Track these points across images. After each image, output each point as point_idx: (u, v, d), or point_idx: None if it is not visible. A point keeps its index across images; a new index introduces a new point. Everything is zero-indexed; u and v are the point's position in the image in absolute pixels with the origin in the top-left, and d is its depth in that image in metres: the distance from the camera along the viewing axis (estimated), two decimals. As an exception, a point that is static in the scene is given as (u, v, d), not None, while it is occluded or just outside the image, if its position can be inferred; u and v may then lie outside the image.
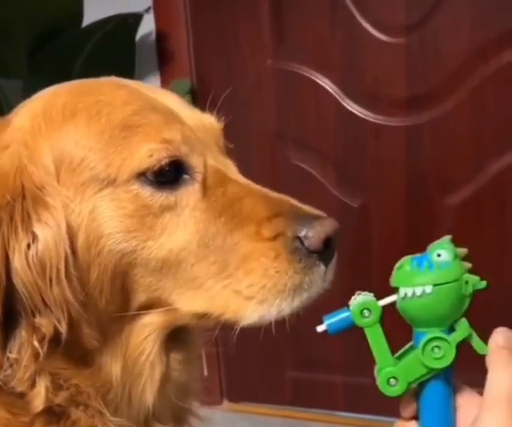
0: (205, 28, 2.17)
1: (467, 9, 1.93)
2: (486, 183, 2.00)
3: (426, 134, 2.04)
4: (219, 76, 2.15)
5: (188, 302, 0.69)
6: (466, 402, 0.61)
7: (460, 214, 2.03)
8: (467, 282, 0.59)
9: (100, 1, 2.05)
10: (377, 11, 2.01)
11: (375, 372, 0.63)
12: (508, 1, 1.90)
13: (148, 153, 0.66)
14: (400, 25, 1.99)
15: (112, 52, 1.94)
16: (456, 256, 0.60)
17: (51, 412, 0.68)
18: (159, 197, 0.67)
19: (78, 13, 1.99)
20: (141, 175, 0.67)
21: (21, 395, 0.66)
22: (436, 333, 0.59)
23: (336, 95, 2.10)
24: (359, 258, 2.13)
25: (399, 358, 0.62)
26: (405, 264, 0.61)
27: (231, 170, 0.75)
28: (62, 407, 0.68)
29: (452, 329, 0.61)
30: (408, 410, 0.64)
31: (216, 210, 0.69)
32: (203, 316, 0.69)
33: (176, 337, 0.73)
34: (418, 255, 0.62)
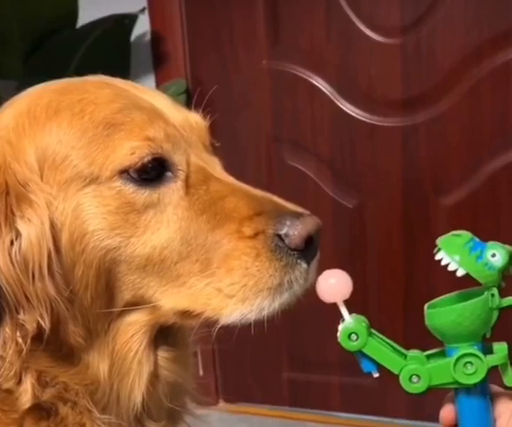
0: (200, 29, 2.17)
1: (461, 10, 1.93)
2: (481, 184, 2.01)
3: (421, 135, 2.04)
4: (214, 77, 2.15)
5: (171, 300, 0.69)
6: (506, 409, 0.61)
7: (455, 215, 2.03)
8: (493, 295, 0.59)
9: (95, 2, 2.05)
10: (372, 12, 2.01)
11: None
12: (503, 2, 1.90)
13: (130, 151, 0.67)
14: (395, 26, 1.99)
15: (107, 52, 1.94)
16: (505, 268, 0.60)
17: (40, 408, 0.68)
18: (142, 194, 0.68)
19: (73, 14, 1.99)
20: (124, 172, 0.67)
21: (10, 392, 0.67)
22: (469, 348, 0.59)
23: (331, 96, 2.10)
24: (354, 258, 2.13)
25: (428, 357, 0.62)
26: (463, 237, 0.60)
27: (215, 168, 0.75)
28: (51, 404, 0.68)
29: (488, 348, 0.60)
30: (448, 418, 0.64)
31: (198, 208, 0.70)
32: (185, 313, 0.70)
33: (164, 336, 0.73)
34: (478, 240, 0.61)
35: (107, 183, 0.67)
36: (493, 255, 0.59)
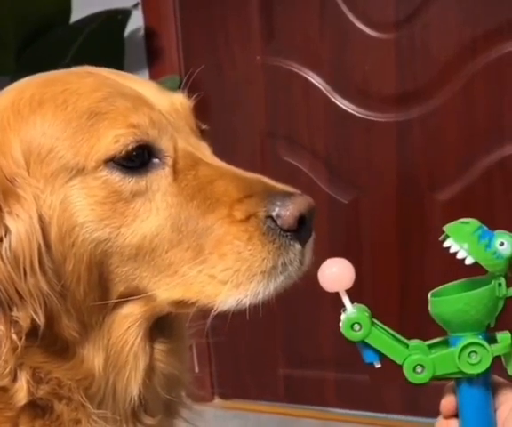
0: (194, 24, 2.17)
1: (455, 5, 1.93)
2: (476, 179, 2.01)
3: (416, 130, 2.04)
4: (208, 73, 2.15)
5: (165, 290, 0.68)
6: (507, 399, 0.61)
7: (450, 210, 2.03)
8: (500, 284, 0.59)
9: (89, -3, 2.04)
10: (366, 7, 2.00)
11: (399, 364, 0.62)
12: (497, -3, 1.90)
13: (114, 139, 0.66)
14: (389, 21, 1.99)
15: (100, 48, 1.93)
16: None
17: (35, 406, 0.67)
18: (129, 182, 0.67)
19: (66, 10, 1.98)
20: (109, 161, 0.66)
21: (5, 389, 0.66)
22: (474, 338, 0.59)
23: (326, 91, 2.09)
24: (349, 254, 2.12)
25: (430, 347, 0.62)
26: (472, 225, 0.60)
27: (203, 152, 0.73)
28: (46, 401, 0.68)
29: (492, 337, 0.60)
30: (448, 409, 0.63)
31: (188, 194, 0.68)
32: (179, 302, 0.69)
33: (160, 328, 0.73)
34: (486, 228, 0.61)
35: (92, 173, 0.66)
36: (502, 244, 0.59)
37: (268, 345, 2.26)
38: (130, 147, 0.66)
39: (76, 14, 1.99)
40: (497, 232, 0.60)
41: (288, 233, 0.67)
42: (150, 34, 2.18)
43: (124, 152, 0.66)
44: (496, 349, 0.59)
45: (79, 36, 1.87)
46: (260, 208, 0.67)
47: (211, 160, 0.72)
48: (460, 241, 0.59)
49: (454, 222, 0.61)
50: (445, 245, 0.60)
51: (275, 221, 0.67)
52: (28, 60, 1.90)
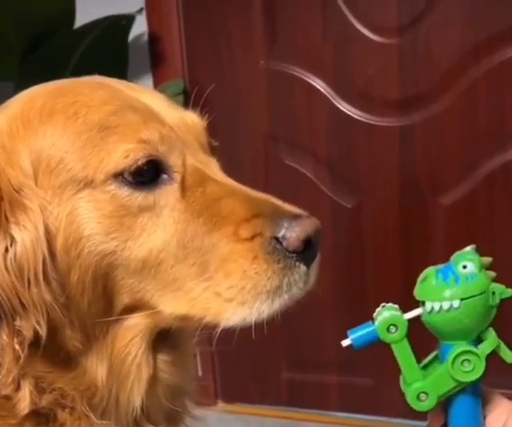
0: (198, 29, 2.17)
1: (458, 10, 1.93)
2: (478, 183, 2.01)
3: (418, 135, 2.05)
4: (211, 77, 2.15)
5: (170, 305, 0.68)
6: (495, 408, 0.61)
7: (452, 214, 2.03)
8: (493, 293, 0.59)
9: (92, 2, 2.04)
10: (369, 11, 2.01)
11: (401, 384, 0.62)
12: (499, 2, 1.90)
13: (124, 154, 0.66)
14: (392, 26, 1.99)
15: (104, 53, 1.94)
16: (482, 267, 0.59)
17: (39, 414, 0.67)
18: (137, 198, 0.66)
19: (70, 15, 1.99)
20: (118, 176, 0.66)
21: (8, 398, 0.66)
22: (465, 346, 0.58)
23: (328, 96, 2.10)
24: (352, 258, 2.14)
25: (424, 367, 0.61)
26: (430, 277, 0.60)
27: (212, 169, 0.73)
28: (49, 410, 0.68)
29: (479, 340, 0.60)
30: (437, 423, 0.63)
31: (195, 210, 0.68)
32: (184, 318, 0.69)
33: (163, 339, 0.72)
34: (442, 267, 0.60)
35: (101, 187, 0.66)
36: (465, 267, 0.59)
37: (270, 349, 2.26)
38: (140, 162, 0.66)
39: (80, 19, 1.99)
40: (453, 259, 0.60)
41: (294, 254, 0.67)
42: (154, 39, 2.19)
43: (134, 167, 0.66)
44: (485, 348, 0.59)
45: (83, 41, 1.88)
46: (266, 228, 0.67)
47: (219, 177, 0.72)
48: (434, 298, 0.59)
49: (416, 288, 0.61)
50: (427, 310, 0.59)
51: (281, 243, 0.67)
52: (32, 65, 1.90)
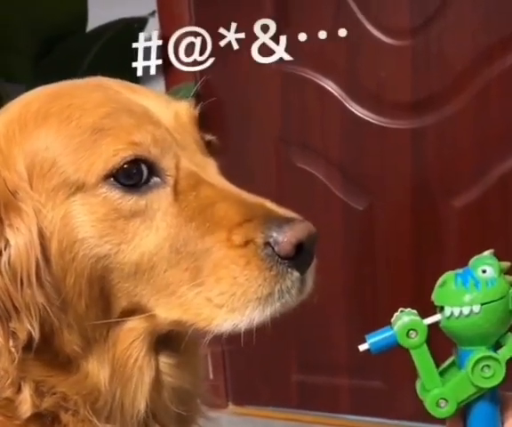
0: (209, 32, 2.18)
1: (471, 12, 1.93)
2: (491, 186, 2.00)
3: (430, 137, 2.04)
4: (223, 80, 2.16)
5: (164, 309, 0.68)
6: None
7: (465, 217, 2.02)
8: None
9: (105, 5, 2.05)
10: (382, 14, 2.01)
11: (418, 390, 0.61)
12: (513, 3, 1.89)
13: (113, 153, 0.65)
14: (405, 28, 1.99)
15: (117, 56, 1.94)
16: (501, 271, 0.58)
17: (42, 416, 0.67)
18: (128, 201, 0.66)
19: (83, 18, 2.00)
20: (109, 177, 0.66)
21: (10, 400, 0.66)
22: (484, 351, 0.58)
23: (341, 98, 2.10)
24: (364, 261, 2.13)
25: (442, 373, 0.61)
26: (449, 282, 0.59)
27: (209, 171, 0.72)
28: (51, 413, 0.67)
29: (497, 345, 0.59)
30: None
31: (188, 215, 0.68)
32: (178, 323, 0.68)
33: (166, 342, 0.72)
34: (461, 271, 0.60)
35: (92, 190, 0.66)
36: (484, 271, 0.58)
37: (281, 352, 2.26)
38: (128, 159, 0.66)
39: (93, 23, 2.00)
40: (471, 264, 0.59)
41: (286, 260, 0.66)
42: (166, 41, 2.19)
43: (121, 164, 0.65)
44: (505, 353, 0.58)
45: (95, 44, 1.89)
46: (258, 233, 0.66)
47: (214, 180, 0.71)
48: (453, 303, 0.58)
49: (434, 292, 0.60)
50: (446, 315, 0.58)
51: (273, 248, 0.66)
52: (45, 67, 1.91)
